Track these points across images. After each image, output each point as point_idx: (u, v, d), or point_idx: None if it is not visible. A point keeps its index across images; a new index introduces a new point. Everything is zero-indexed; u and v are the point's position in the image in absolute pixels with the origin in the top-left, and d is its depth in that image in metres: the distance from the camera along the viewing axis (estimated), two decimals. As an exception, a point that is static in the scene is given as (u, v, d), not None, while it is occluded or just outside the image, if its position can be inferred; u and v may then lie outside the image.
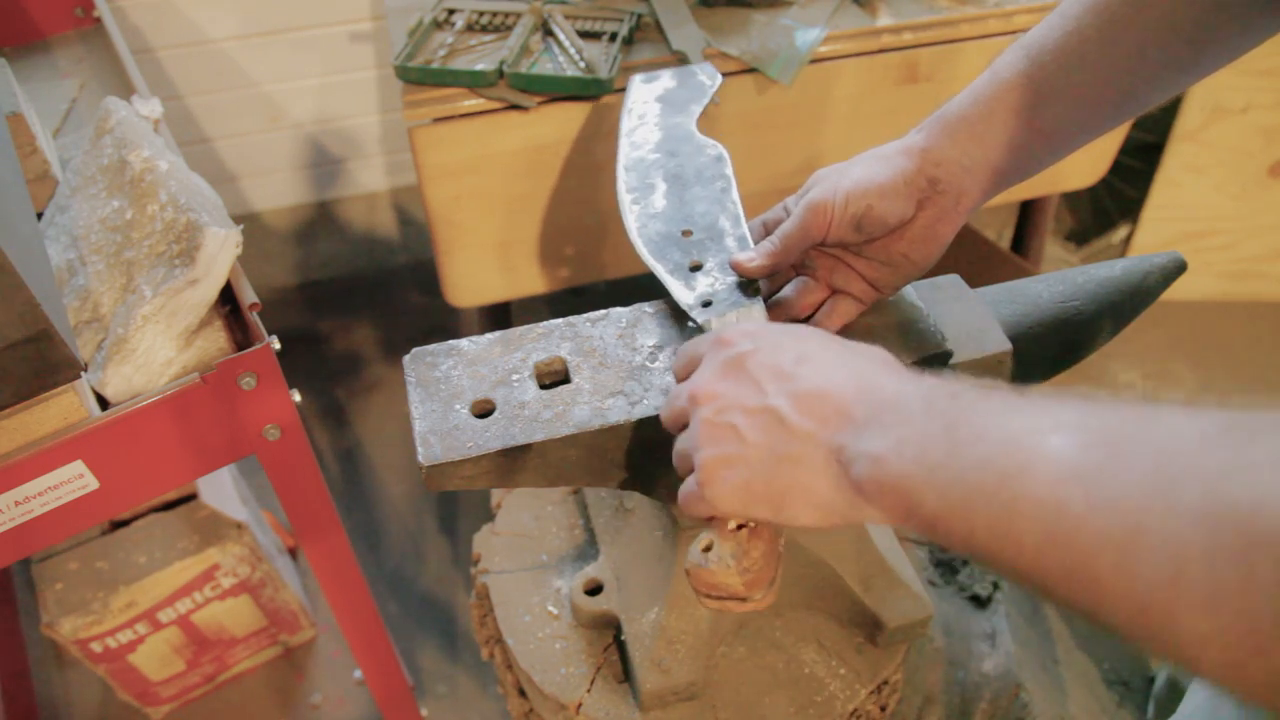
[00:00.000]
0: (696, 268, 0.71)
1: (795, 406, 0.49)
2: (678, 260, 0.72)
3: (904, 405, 0.45)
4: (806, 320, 0.71)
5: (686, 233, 0.74)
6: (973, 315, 0.73)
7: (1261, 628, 0.31)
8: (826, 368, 0.50)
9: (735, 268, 0.69)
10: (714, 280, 0.70)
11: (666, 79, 0.97)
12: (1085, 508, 0.36)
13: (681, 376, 0.59)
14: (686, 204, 0.77)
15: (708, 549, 0.53)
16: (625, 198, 0.78)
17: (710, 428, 0.52)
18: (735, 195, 0.77)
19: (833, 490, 0.47)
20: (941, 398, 0.44)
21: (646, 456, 0.68)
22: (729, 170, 0.79)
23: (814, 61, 1.27)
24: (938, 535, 0.42)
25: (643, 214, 0.76)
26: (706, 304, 0.68)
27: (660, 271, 0.72)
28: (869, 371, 0.49)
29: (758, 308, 0.67)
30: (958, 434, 0.41)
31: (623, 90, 1.23)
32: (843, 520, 0.48)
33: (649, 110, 0.90)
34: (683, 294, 0.70)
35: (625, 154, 0.84)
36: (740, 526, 0.53)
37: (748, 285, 0.69)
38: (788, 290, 0.72)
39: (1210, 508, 0.32)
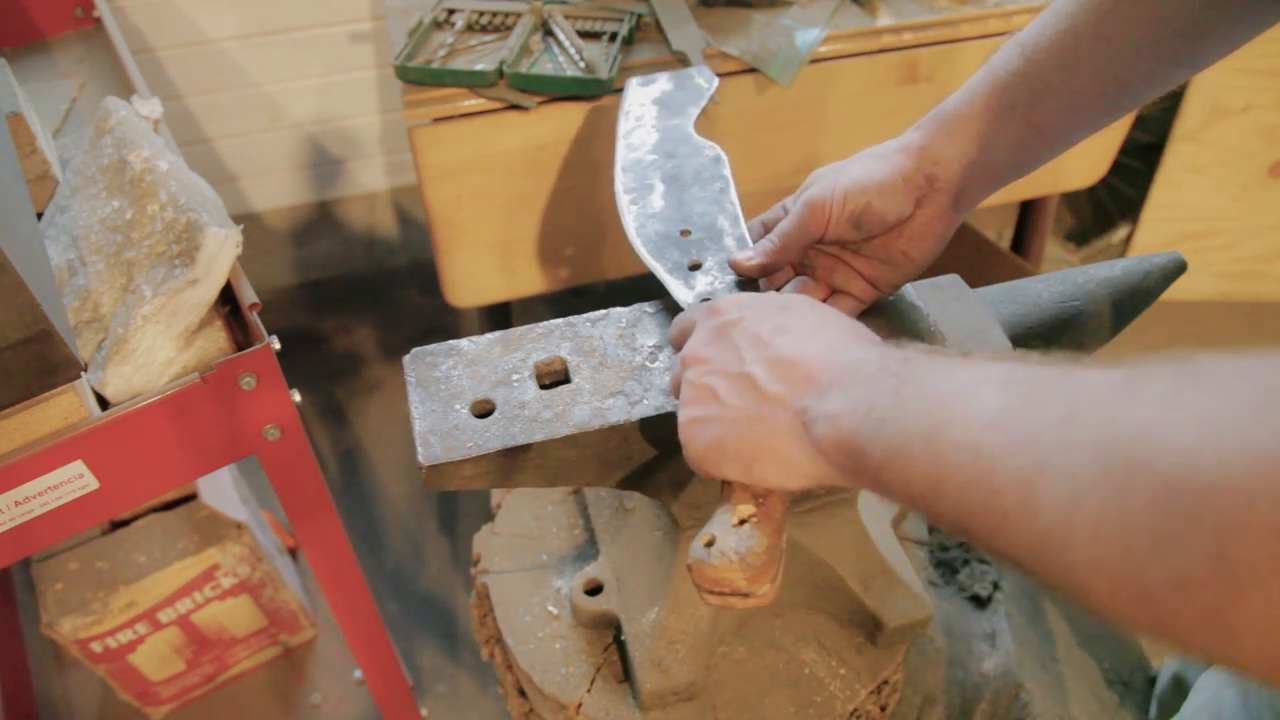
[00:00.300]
0: (695, 267, 0.72)
1: (769, 372, 0.52)
2: (676, 260, 0.72)
3: (862, 368, 0.48)
4: None
5: (685, 232, 0.74)
6: (973, 315, 0.73)
7: (1135, 549, 0.32)
8: (801, 337, 0.53)
9: (734, 266, 0.69)
10: (713, 279, 0.70)
11: (663, 82, 0.97)
12: (1001, 449, 0.38)
13: (676, 344, 0.63)
14: (685, 204, 0.77)
15: (710, 544, 0.53)
16: (623, 198, 0.79)
17: (693, 389, 0.56)
18: (734, 195, 0.77)
19: (798, 450, 0.50)
20: (895, 360, 0.47)
21: (646, 456, 0.68)
22: (727, 171, 0.80)
23: (814, 61, 1.27)
24: (881, 487, 0.45)
25: (641, 214, 0.77)
26: (706, 302, 0.68)
27: (659, 271, 0.72)
28: (839, 341, 0.52)
29: None
30: (904, 391, 0.44)
31: (621, 91, 1.23)
32: (809, 481, 0.51)
33: (646, 113, 0.91)
34: (682, 293, 0.70)
35: (623, 155, 0.84)
36: (743, 521, 0.53)
37: (747, 284, 0.69)
38: (787, 290, 0.72)
39: (1103, 441, 0.34)
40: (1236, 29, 0.59)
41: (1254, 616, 0.29)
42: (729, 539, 0.53)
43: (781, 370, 0.51)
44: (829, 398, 0.48)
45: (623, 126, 0.89)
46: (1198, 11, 0.58)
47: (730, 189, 0.78)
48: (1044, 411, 0.37)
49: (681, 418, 0.56)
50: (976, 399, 0.40)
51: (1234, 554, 0.29)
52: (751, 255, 0.68)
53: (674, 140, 0.85)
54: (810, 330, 0.53)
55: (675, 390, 0.60)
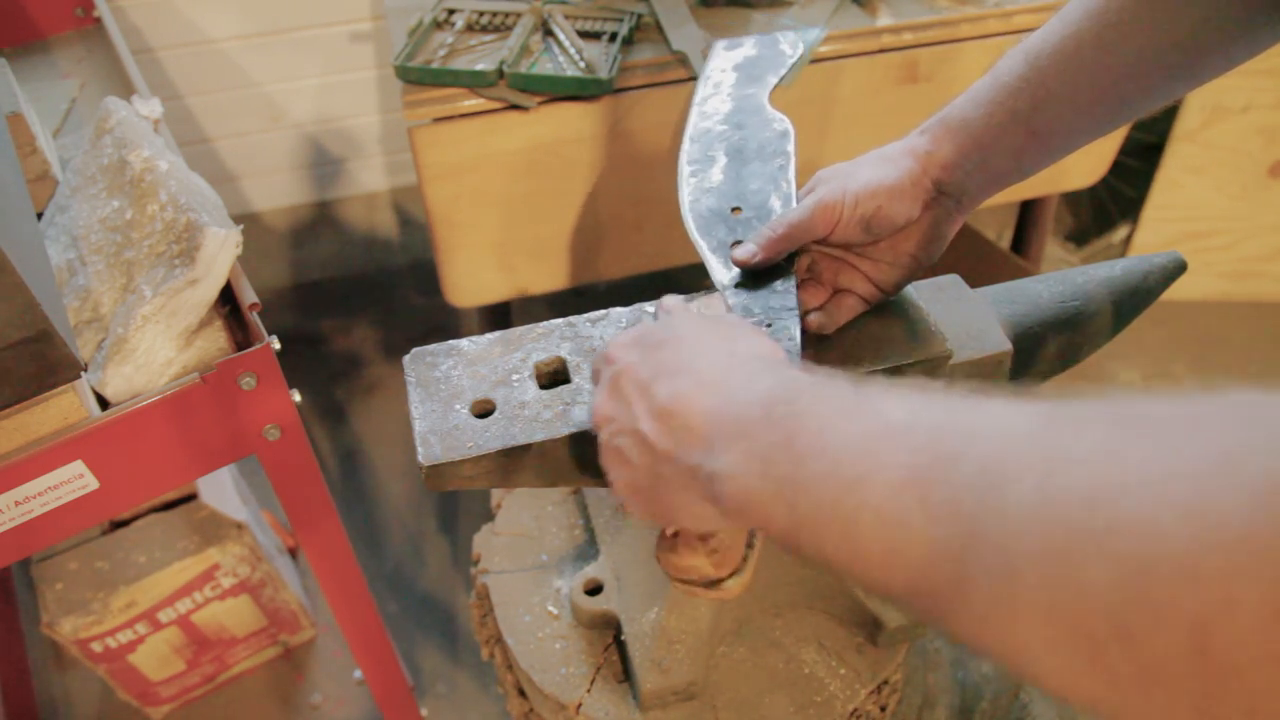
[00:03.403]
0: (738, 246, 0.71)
1: (655, 426, 0.48)
2: (722, 238, 0.71)
3: (744, 417, 0.44)
4: (810, 314, 0.70)
5: (736, 210, 0.73)
6: (973, 315, 0.73)
7: (1097, 636, 0.29)
8: (675, 378, 0.48)
9: (738, 265, 0.69)
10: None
11: (748, 47, 0.93)
12: (922, 518, 0.34)
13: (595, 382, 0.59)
14: (743, 180, 0.75)
15: (675, 534, 0.54)
16: (685, 169, 0.77)
17: (605, 452, 0.53)
18: (791, 174, 0.75)
19: (704, 505, 0.47)
20: (779, 405, 0.43)
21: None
22: (790, 146, 0.77)
23: (814, 61, 1.27)
24: (798, 551, 0.41)
25: (698, 187, 0.76)
26: (739, 286, 0.68)
27: (702, 249, 0.71)
28: (723, 382, 0.47)
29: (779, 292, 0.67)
30: (797, 446, 0.40)
31: (621, 91, 1.23)
32: (733, 528, 0.50)
33: (725, 79, 0.87)
34: (719, 273, 0.69)
35: (694, 123, 0.82)
36: None
37: (776, 269, 0.68)
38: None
39: (1036, 505, 0.31)
40: (1236, 47, 0.60)
41: (1237, 709, 0.27)
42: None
43: (665, 422, 0.47)
44: (715, 455, 0.44)
45: (700, 92, 0.86)
46: (1198, 26, 0.58)
47: (789, 166, 0.76)
48: (961, 467, 0.34)
49: (610, 481, 0.54)
50: (884, 457, 0.36)
51: (1215, 648, 0.27)
52: (755, 251, 0.68)
53: (746, 110, 0.82)
54: (684, 366, 0.49)
55: None
